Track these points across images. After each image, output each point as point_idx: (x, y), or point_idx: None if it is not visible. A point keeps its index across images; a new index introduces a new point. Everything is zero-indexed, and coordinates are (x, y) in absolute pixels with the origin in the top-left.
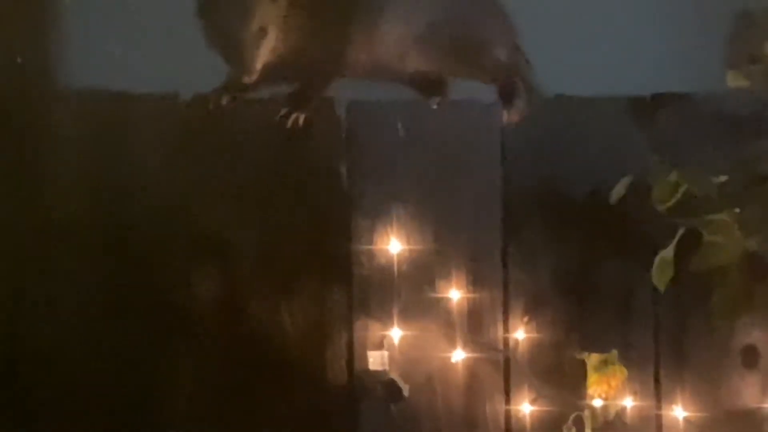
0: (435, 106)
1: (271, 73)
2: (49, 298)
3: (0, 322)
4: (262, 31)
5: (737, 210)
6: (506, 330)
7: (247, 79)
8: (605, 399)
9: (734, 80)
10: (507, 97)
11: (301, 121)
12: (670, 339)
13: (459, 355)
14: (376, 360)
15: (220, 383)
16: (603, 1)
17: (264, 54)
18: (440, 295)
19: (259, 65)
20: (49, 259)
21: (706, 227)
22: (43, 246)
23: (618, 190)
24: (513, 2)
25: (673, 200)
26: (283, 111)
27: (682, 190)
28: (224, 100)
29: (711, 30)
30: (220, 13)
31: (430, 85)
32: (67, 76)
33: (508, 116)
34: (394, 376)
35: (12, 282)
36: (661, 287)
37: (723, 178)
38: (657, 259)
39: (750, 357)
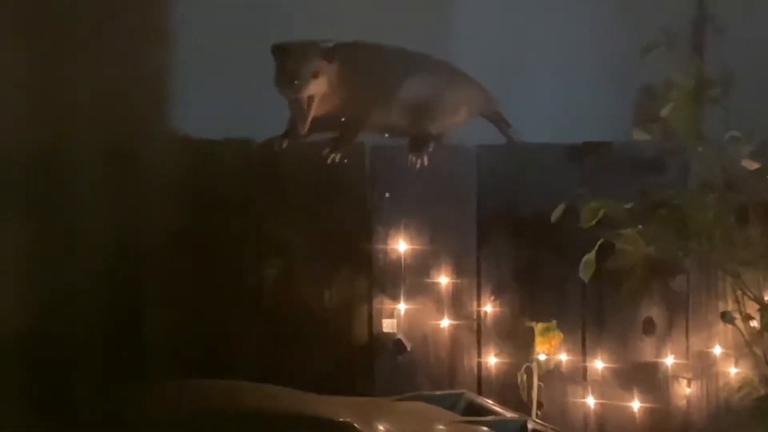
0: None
1: (319, 125)
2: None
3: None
4: (311, 99)
5: (640, 226)
6: (479, 305)
7: (302, 131)
8: (547, 354)
9: (638, 135)
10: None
11: (338, 158)
12: (593, 314)
13: (446, 323)
14: (388, 325)
15: (278, 340)
16: (550, 78)
17: (313, 112)
18: (433, 281)
19: (309, 121)
20: (157, 260)
21: (617, 239)
22: (154, 248)
23: (557, 213)
24: (491, 80)
25: (595, 220)
26: (326, 151)
27: (601, 212)
28: (285, 144)
29: (625, 96)
30: (288, 78)
31: (423, 139)
32: (172, 125)
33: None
34: (401, 336)
35: (118, 275)
36: (586, 279)
37: (630, 204)
38: (583, 260)
39: (648, 326)
